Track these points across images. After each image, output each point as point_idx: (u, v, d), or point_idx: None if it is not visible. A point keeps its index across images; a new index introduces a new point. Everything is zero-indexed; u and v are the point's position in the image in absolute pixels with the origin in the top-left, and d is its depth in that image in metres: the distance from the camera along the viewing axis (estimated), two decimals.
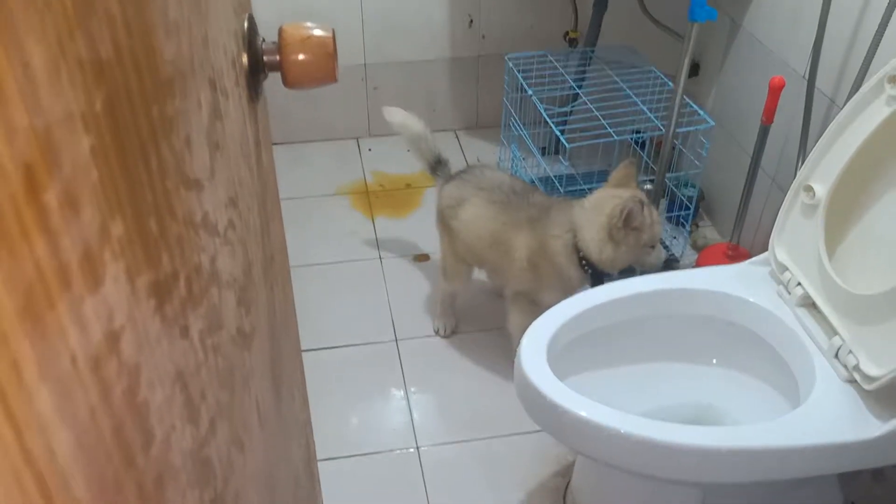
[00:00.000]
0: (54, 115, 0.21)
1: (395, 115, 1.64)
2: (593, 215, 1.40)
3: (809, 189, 1.17)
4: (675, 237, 1.99)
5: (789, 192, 1.21)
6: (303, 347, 0.93)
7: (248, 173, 0.53)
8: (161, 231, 0.32)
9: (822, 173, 1.16)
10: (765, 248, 1.28)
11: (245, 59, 0.53)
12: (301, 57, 0.55)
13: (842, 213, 1.15)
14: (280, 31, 0.55)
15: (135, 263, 0.28)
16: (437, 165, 1.64)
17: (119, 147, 0.27)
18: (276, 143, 2.30)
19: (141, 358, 0.29)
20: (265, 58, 0.55)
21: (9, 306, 0.18)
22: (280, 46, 0.54)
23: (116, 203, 0.26)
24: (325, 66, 0.55)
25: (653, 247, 1.41)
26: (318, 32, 0.55)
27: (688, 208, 1.90)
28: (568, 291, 1.42)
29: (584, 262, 1.42)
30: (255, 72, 0.55)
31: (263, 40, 0.56)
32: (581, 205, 1.44)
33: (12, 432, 0.18)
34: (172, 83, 0.33)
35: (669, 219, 2.02)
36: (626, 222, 1.34)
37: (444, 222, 1.59)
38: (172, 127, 0.33)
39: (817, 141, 1.17)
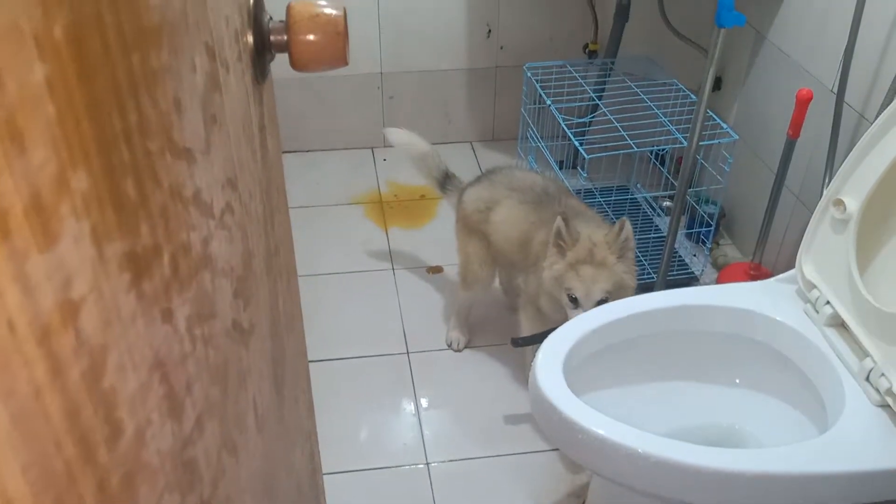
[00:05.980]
0: None
1: (399, 136, 1.61)
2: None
3: (840, 203, 1.12)
4: (695, 255, 1.93)
5: (818, 206, 1.17)
6: (312, 357, 0.89)
7: (250, 157, 0.49)
8: (141, 197, 0.28)
9: (853, 187, 1.11)
10: (787, 269, 1.23)
11: (250, 36, 0.50)
12: (310, 37, 0.51)
13: (873, 229, 1.10)
14: (288, 9, 0.51)
15: (104, 227, 0.25)
16: (446, 180, 1.61)
17: (87, 89, 0.23)
18: (290, 151, 2.28)
19: (108, 338, 0.25)
20: (272, 37, 0.52)
21: None
22: (288, 25, 0.51)
23: (81, 152, 0.23)
24: (334, 47, 0.52)
25: None
26: (328, 11, 0.51)
27: (709, 225, 1.85)
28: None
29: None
30: (262, 51, 0.52)
31: (271, 18, 0.53)
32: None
33: None
34: (159, 33, 0.30)
35: (689, 236, 1.97)
36: None
37: (470, 227, 1.55)
38: (157, 82, 0.30)
39: (845, 157, 1.12)
